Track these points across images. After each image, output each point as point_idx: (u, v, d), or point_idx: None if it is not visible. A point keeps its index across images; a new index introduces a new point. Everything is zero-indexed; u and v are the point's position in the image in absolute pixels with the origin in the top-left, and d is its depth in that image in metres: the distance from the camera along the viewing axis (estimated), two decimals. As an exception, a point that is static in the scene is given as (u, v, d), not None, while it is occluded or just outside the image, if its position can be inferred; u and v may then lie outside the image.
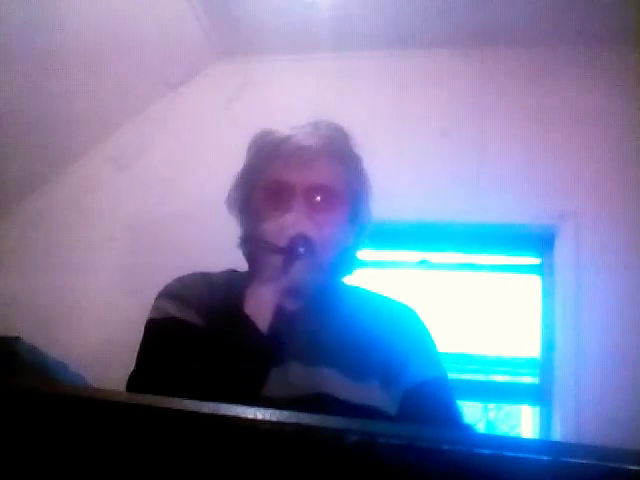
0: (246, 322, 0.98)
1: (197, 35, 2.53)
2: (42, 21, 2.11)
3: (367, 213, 1.18)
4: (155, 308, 1.09)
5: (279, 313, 1.03)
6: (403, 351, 1.08)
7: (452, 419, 1.04)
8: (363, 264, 1.22)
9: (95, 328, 2.35)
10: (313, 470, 0.42)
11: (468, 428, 1.11)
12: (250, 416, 0.44)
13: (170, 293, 1.10)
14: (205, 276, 1.15)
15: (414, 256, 2.45)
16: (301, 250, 1.02)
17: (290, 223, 1.04)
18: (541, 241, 2.34)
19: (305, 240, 1.03)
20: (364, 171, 1.19)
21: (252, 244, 1.10)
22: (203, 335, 0.99)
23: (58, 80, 2.30)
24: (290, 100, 2.42)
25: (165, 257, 2.31)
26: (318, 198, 1.09)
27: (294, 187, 1.08)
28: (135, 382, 0.99)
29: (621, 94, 2.33)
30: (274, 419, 0.43)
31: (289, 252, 1.02)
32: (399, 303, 1.17)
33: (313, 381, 1.01)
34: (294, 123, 1.18)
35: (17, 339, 1.78)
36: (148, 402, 0.47)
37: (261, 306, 1.01)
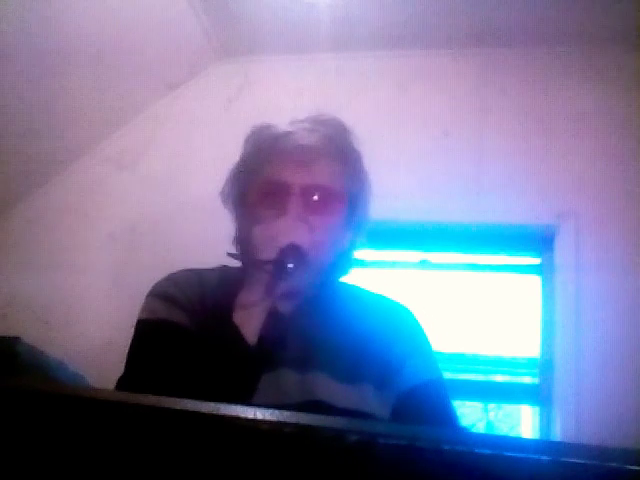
0: (234, 332, 0.97)
1: (197, 35, 2.53)
2: (43, 21, 2.11)
3: (365, 213, 1.15)
4: (145, 308, 1.07)
5: (271, 317, 1.01)
6: (399, 353, 1.06)
7: (448, 422, 1.02)
8: (361, 264, 1.20)
9: (95, 328, 2.34)
10: (313, 470, 0.42)
11: (464, 430, 1.09)
12: (250, 416, 0.44)
13: (160, 293, 1.07)
14: (197, 274, 1.12)
15: (414, 256, 2.45)
16: (290, 266, 0.98)
17: (281, 231, 1.01)
18: (541, 241, 2.34)
19: (296, 251, 0.99)
20: (364, 169, 1.15)
21: (242, 251, 1.08)
22: (192, 340, 0.98)
23: (58, 80, 2.30)
24: (290, 100, 2.42)
25: (165, 257, 2.30)
26: (315, 200, 1.05)
27: (290, 188, 1.04)
28: (123, 388, 0.97)
29: (621, 94, 2.33)
30: (274, 419, 0.43)
31: (277, 267, 0.98)
32: (395, 302, 1.15)
33: (305, 388, 0.99)
34: (293, 117, 1.14)
35: (17, 339, 1.78)
36: (148, 402, 0.47)
37: (250, 316, 0.99)
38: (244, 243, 1.09)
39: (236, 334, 0.96)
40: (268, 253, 0.99)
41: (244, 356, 0.96)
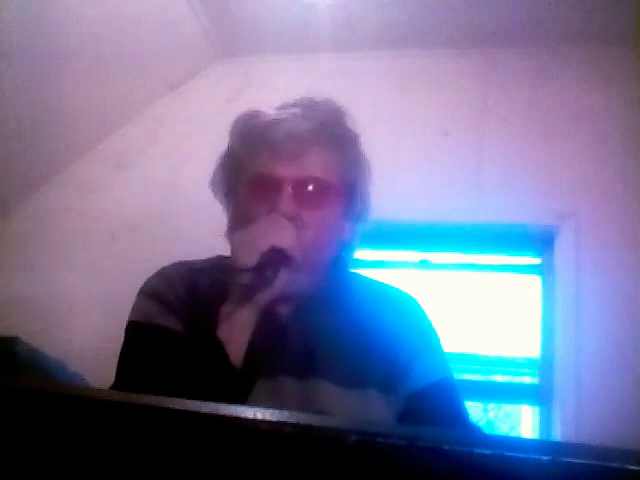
0: (217, 348, 0.90)
1: (197, 35, 2.53)
2: (43, 21, 2.11)
3: (366, 202, 1.07)
4: (136, 309, 1.02)
5: (267, 320, 0.95)
6: (408, 350, 1.00)
7: (460, 421, 0.98)
8: (361, 264, 1.17)
9: (95, 328, 2.34)
10: (313, 470, 0.42)
11: (476, 428, 1.05)
12: (250, 416, 0.44)
13: (152, 292, 1.03)
14: (190, 268, 1.06)
15: (414, 256, 2.45)
16: (269, 274, 0.90)
17: (261, 234, 0.92)
18: (541, 241, 2.34)
19: (279, 254, 0.91)
20: (362, 154, 1.07)
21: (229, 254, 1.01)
22: (182, 347, 0.93)
23: (58, 80, 2.30)
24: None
25: (165, 256, 2.30)
26: (309, 194, 0.98)
27: (282, 182, 0.97)
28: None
29: (621, 94, 2.33)
30: (274, 419, 0.43)
31: (257, 274, 0.90)
32: (403, 293, 1.09)
33: (305, 397, 0.95)
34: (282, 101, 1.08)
35: (16, 339, 1.78)
36: (148, 402, 0.47)
37: (235, 330, 0.92)
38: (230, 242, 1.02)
39: (219, 350, 0.90)
40: (248, 259, 0.91)
41: (226, 375, 0.90)
